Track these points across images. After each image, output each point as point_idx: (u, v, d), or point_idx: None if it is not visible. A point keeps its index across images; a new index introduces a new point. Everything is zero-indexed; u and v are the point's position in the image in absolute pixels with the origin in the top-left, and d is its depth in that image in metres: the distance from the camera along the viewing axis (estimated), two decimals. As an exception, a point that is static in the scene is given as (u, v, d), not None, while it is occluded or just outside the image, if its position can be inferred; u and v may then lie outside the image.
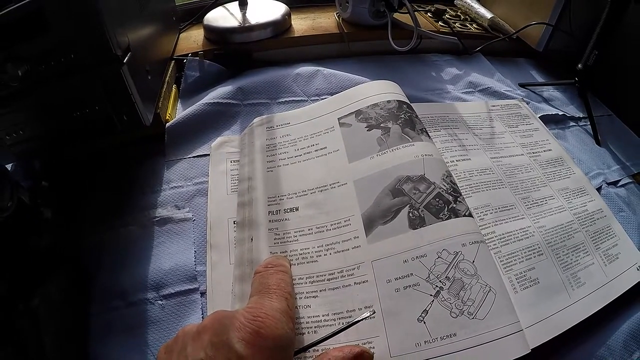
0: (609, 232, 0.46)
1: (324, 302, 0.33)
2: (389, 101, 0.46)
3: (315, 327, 0.32)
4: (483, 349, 0.28)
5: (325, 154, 0.43)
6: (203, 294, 0.37)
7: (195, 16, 0.75)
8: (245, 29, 0.66)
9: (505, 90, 0.66)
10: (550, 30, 0.71)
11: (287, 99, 0.57)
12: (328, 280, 0.34)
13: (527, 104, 0.64)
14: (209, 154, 0.49)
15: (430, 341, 0.29)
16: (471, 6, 0.82)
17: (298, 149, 0.45)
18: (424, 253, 0.33)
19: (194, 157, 0.50)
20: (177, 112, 0.56)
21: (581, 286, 0.39)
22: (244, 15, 0.70)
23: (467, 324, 0.30)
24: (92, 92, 0.43)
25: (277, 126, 0.49)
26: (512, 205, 0.45)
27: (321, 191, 0.40)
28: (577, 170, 0.53)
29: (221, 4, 0.75)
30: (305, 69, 0.61)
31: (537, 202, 0.47)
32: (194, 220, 0.43)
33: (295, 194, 0.41)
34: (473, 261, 0.33)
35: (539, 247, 0.41)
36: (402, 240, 0.34)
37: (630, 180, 0.56)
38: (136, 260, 0.41)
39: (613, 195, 0.52)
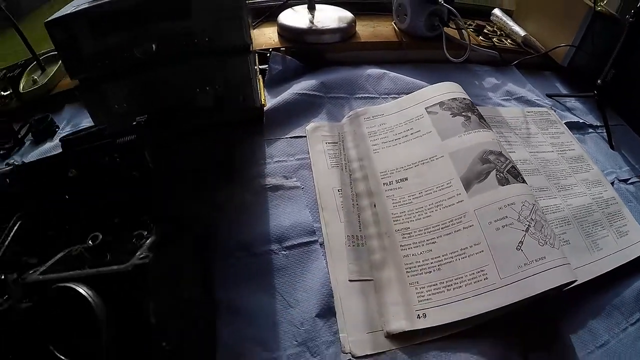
0: (620, 215, 0.58)
1: (442, 246, 0.46)
2: (464, 98, 0.59)
3: (438, 265, 0.45)
4: (560, 270, 0.41)
5: (421, 135, 0.56)
6: (322, 244, 0.49)
7: (264, 15, 0.87)
8: (318, 31, 0.78)
9: (536, 99, 0.78)
10: (574, 50, 0.83)
11: (362, 95, 0.69)
12: (442, 228, 0.47)
13: (554, 111, 0.76)
14: (304, 136, 0.61)
15: (527, 263, 0.41)
16: (506, 23, 0.94)
17: (396, 134, 0.57)
18: (513, 202, 0.46)
19: (291, 137, 0.61)
20: (267, 99, 0.67)
21: (599, 250, 0.52)
22: (313, 18, 0.81)
23: (550, 251, 0.42)
24: (220, 73, 0.53)
25: (373, 117, 0.61)
26: (547, 188, 0.57)
27: (423, 164, 0.53)
28: (595, 167, 0.66)
29: (290, 6, 0.86)
30: (374, 71, 0.73)
31: (565, 187, 0.59)
32: (303, 188, 0.55)
33: (403, 167, 0.53)
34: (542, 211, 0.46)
35: (568, 219, 0.54)
36: (494, 193, 0.47)
37: (638, 180, 0.68)
38: (255, 219, 0.51)
39: (623, 190, 0.64)
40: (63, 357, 0.26)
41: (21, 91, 0.97)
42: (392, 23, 0.87)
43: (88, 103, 0.55)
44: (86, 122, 0.85)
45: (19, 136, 0.90)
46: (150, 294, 0.27)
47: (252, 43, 0.53)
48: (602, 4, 0.80)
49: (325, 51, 0.78)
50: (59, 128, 0.85)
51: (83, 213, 0.37)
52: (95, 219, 0.36)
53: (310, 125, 0.62)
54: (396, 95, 0.68)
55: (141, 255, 0.28)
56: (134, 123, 0.38)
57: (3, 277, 0.29)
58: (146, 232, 0.34)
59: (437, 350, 0.42)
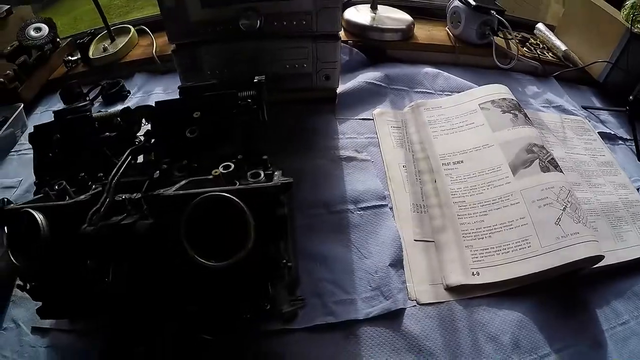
0: (643, 216, 0.67)
1: (493, 218, 0.55)
2: (512, 99, 0.67)
3: (489, 233, 0.54)
4: (591, 245, 0.50)
5: (475, 127, 0.65)
6: (391, 208, 0.58)
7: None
8: (381, 29, 0.87)
9: (572, 109, 0.86)
10: (610, 66, 0.91)
11: (420, 90, 0.78)
12: (492, 203, 0.56)
13: (588, 122, 0.84)
14: (372, 119, 0.71)
15: (564, 236, 0.51)
16: (549, 37, 1.02)
17: (453, 124, 0.67)
18: (552, 186, 0.55)
19: (360, 119, 0.71)
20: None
21: (623, 241, 0.60)
22: (376, 16, 0.90)
23: (582, 228, 0.51)
24: (312, 53, 0.62)
25: (432, 108, 0.70)
26: (580, 184, 0.66)
27: (476, 150, 0.62)
28: (622, 173, 0.74)
29: (354, 4, 0.95)
30: (430, 70, 0.82)
31: (595, 185, 0.68)
32: (372, 161, 0.64)
33: (459, 152, 0.63)
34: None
35: (597, 212, 0.62)
36: (537, 178, 0.56)
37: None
38: (332, 182, 0.61)
39: (647, 196, 0.73)
40: (209, 261, 0.32)
41: (90, 57, 1.08)
42: (446, 28, 0.95)
43: (182, 67, 0.63)
44: (158, 89, 0.95)
45: (88, 98, 1.01)
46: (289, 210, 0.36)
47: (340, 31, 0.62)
48: (638, 26, 0.87)
49: (387, 48, 0.87)
50: (129, 93, 0.94)
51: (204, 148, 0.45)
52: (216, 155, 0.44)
53: (377, 110, 0.72)
54: (449, 93, 0.77)
55: (283, 179, 0.36)
56: (255, 81, 0.47)
57: (158, 192, 0.36)
58: (262, 170, 0.42)
59: (486, 305, 0.51)
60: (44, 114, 1.05)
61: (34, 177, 0.78)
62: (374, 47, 0.86)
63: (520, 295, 0.52)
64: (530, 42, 1.01)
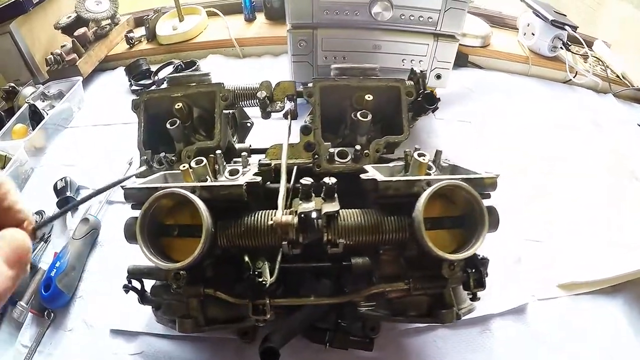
0: None
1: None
2: None
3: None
4: None
5: None
6: None
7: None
8: (464, 34, 0.90)
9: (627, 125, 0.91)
10: (664, 88, 0.97)
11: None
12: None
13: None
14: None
15: None
16: (606, 55, 1.07)
17: None
18: None
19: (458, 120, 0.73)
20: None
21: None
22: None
23: None
24: (429, 50, 0.64)
25: None
26: None
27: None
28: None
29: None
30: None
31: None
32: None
33: None
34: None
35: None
36: None
37: None
38: None
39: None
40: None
41: (158, 35, 1.05)
42: (517, 39, 0.99)
43: (295, 48, 0.63)
44: (237, 73, 0.93)
45: (157, 77, 0.99)
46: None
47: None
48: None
49: (469, 53, 0.89)
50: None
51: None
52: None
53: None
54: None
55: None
56: (418, 71, 0.48)
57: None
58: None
59: (593, 300, 0.55)
60: (102, 90, 1.03)
61: (94, 154, 0.77)
62: (459, 51, 0.89)
63: (620, 290, 0.56)
64: (590, 58, 1.05)
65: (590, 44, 1.10)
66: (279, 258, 0.34)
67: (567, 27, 0.92)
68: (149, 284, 0.42)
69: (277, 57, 0.93)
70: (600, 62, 1.06)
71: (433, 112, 0.45)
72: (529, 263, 0.58)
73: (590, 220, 0.64)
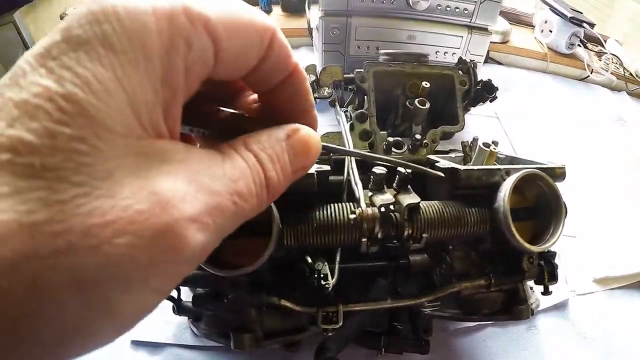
0: None
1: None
2: None
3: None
4: None
5: None
6: None
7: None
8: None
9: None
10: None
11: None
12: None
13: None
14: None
15: None
16: (620, 53, 1.08)
17: None
18: None
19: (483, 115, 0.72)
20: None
21: None
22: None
23: None
24: (463, 42, 0.63)
25: None
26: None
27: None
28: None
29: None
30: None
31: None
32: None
33: None
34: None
35: None
36: None
37: None
38: None
39: None
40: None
41: None
42: (534, 36, 0.98)
43: (328, 36, 0.60)
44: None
45: None
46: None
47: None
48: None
49: (490, 49, 0.88)
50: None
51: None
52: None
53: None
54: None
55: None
56: (470, 60, 0.46)
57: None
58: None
59: (629, 295, 0.55)
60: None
61: None
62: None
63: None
64: (605, 55, 1.06)
65: (603, 42, 1.11)
66: (337, 258, 0.32)
67: (584, 25, 0.92)
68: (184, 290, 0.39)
69: (296, 50, 0.91)
70: (615, 60, 1.07)
71: (491, 101, 0.43)
72: (566, 258, 0.57)
73: (617, 216, 0.64)
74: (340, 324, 0.30)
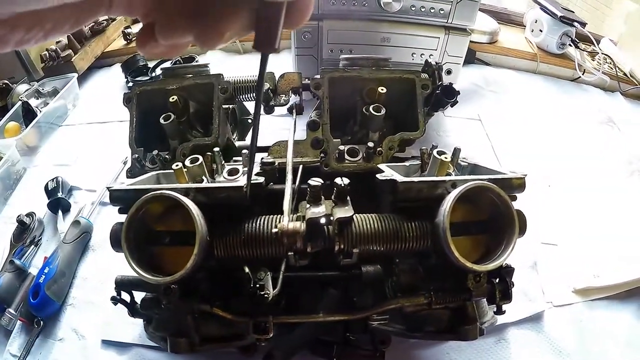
0: None
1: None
2: None
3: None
4: None
5: None
6: None
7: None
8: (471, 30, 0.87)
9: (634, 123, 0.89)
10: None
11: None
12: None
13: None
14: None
15: None
16: (614, 53, 1.05)
17: None
18: None
19: (466, 118, 0.71)
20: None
21: None
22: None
23: None
24: (440, 45, 0.62)
25: None
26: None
27: None
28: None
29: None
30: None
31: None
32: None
33: None
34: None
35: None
36: None
37: None
38: None
39: None
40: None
41: None
42: (524, 36, 0.96)
43: (300, 41, 0.60)
44: (237, 68, 0.90)
45: (154, 73, 0.96)
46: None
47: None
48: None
49: (476, 49, 0.87)
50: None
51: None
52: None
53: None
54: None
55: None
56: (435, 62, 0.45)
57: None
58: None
59: (607, 306, 0.53)
60: (98, 88, 1.00)
61: (88, 154, 0.73)
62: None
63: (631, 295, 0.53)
64: (598, 55, 1.03)
65: (597, 42, 1.08)
66: (282, 269, 0.31)
67: (575, 24, 0.90)
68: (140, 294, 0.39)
69: (279, 53, 0.90)
70: (608, 60, 1.04)
71: (452, 106, 0.42)
72: (544, 267, 0.55)
73: (603, 222, 0.62)
74: (271, 335, 0.30)
